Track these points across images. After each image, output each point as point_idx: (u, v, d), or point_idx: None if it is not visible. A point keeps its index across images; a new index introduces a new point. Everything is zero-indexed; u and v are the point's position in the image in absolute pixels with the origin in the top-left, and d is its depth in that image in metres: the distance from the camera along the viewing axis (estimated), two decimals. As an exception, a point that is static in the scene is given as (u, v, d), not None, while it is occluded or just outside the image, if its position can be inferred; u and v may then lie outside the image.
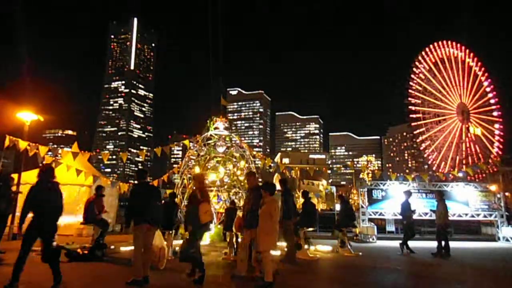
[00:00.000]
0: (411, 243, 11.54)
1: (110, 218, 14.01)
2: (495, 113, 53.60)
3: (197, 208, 5.99)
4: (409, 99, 52.01)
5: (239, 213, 9.19)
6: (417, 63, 52.51)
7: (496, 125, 53.13)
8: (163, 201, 9.74)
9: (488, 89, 53.96)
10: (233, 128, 17.29)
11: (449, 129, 53.57)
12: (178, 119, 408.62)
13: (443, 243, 10.78)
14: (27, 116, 13.24)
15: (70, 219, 13.25)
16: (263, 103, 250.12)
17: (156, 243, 7.06)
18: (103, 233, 9.26)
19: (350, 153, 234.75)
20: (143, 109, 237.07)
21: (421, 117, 52.66)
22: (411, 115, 52.36)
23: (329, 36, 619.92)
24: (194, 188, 6.77)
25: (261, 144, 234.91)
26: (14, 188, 10.42)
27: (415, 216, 12.06)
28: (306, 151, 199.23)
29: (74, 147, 15.78)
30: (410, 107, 52.11)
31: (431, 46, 53.26)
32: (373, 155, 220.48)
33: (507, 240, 15.78)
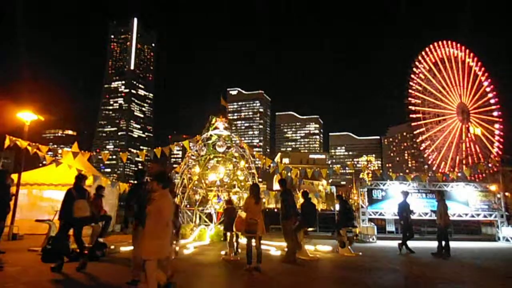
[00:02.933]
0: (411, 243, 11.56)
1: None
2: (495, 113, 53.60)
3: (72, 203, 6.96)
4: (409, 99, 52.08)
5: (239, 213, 9.19)
6: (417, 63, 52.57)
7: (496, 125, 53.13)
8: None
9: (488, 89, 53.97)
10: (233, 128, 17.27)
11: (449, 129, 53.59)
12: (178, 119, 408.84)
13: (443, 243, 10.79)
14: (27, 116, 13.26)
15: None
16: (263, 103, 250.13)
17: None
18: (106, 228, 9.28)
19: (350, 153, 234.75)
20: (143, 109, 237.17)
21: (421, 117, 52.72)
22: (411, 115, 52.45)
23: (330, 36, 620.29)
24: (71, 188, 7.41)
25: (261, 144, 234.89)
26: (14, 189, 10.40)
27: (415, 216, 12.05)
28: (306, 151, 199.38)
29: (74, 147, 15.78)
30: (410, 107, 52.18)
31: (431, 46, 53.32)
32: (373, 155, 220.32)
33: (507, 240, 15.78)
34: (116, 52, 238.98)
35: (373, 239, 14.91)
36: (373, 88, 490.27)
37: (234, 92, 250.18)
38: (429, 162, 53.30)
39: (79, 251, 7.10)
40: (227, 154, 15.77)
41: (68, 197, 7.10)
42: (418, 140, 52.98)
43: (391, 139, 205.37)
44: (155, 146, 16.43)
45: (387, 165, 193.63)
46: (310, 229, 10.99)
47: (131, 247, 6.72)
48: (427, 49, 53.10)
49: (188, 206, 15.15)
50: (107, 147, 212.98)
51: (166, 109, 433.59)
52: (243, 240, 9.58)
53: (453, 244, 11.33)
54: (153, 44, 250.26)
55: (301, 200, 10.92)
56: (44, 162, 15.57)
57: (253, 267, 7.43)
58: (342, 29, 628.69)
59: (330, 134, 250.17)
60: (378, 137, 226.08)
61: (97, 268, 7.29)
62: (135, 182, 6.83)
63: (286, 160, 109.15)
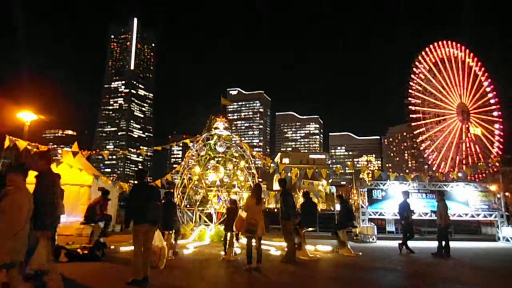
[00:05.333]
0: (411, 243, 11.56)
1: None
2: (495, 113, 53.54)
3: None
4: (409, 99, 52.00)
5: (240, 213, 9.19)
6: (417, 63, 52.49)
7: (496, 125, 53.05)
8: (162, 201, 9.75)
9: (488, 89, 53.93)
10: (233, 128, 17.26)
11: (449, 129, 53.52)
12: (178, 119, 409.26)
13: (443, 243, 10.79)
14: (27, 116, 13.27)
15: (70, 219, 13.22)
16: (263, 103, 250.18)
17: (156, 243, 7.08)
18: (106, 228, 9.27)
19: (350, 153, 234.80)
20: (143, 109, 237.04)
21: (421, 117, 52.65)
22: (411, 115, 52.36)
23: (329, 36, 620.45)
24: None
25: (261, 144, 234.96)
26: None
27: (415, 216, 12.04)
28: (306, 151, 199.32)
29: (74, 147, 15.76)
30: (410, 107, 52.10)
31: (431, 46, 53.23)
32: (373, 155, 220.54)
33: (507, 240, 15.78)
34: (116, 52, 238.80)
35: (373, 239, 14.91)
36: (373, 88, 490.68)
37: (234, 92, 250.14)
38: (429, 162, 53.24)
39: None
40: (227, 154, 15.76)
41: None
42: (418, 140, 52.92)
43: (391, 139, 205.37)
44: (155, 146, 16.41)
45: (387, 165, 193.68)
46: (310, 229, 10.98)
47: (131, 247, 6.72)
48: (427, 49, 53.03)
49: (188, 206, 15.15)
50: (107, 147, 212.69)
51: (166, 109, 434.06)
52: (243, 240, 9.58)
53: (453, 244, 11.33)
54: (153, 44, 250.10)
55: (301, 200, 10.92)
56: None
57: (253, 267, 7.43)
58: (343, 29, 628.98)
59: (330, 134, 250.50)
60: (378, 137, 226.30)
61: (97, 268, 7.30)
62: (135, 182, 6.84)
63: (286, 160, 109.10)
